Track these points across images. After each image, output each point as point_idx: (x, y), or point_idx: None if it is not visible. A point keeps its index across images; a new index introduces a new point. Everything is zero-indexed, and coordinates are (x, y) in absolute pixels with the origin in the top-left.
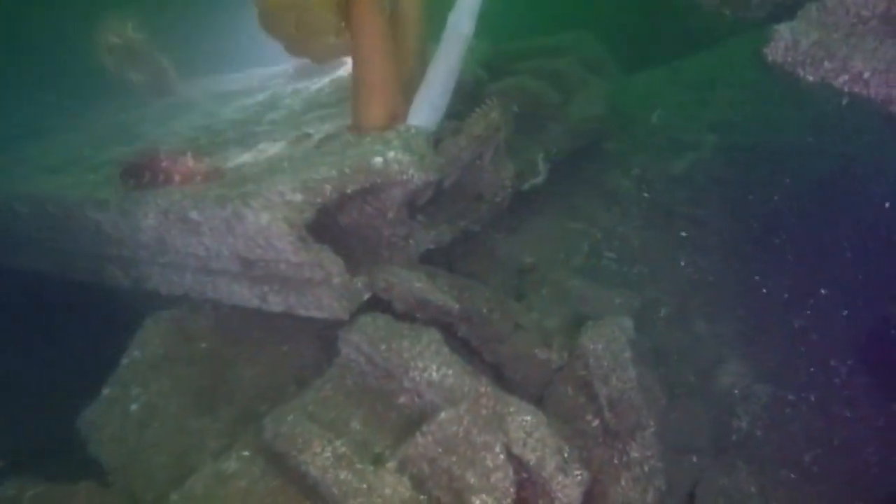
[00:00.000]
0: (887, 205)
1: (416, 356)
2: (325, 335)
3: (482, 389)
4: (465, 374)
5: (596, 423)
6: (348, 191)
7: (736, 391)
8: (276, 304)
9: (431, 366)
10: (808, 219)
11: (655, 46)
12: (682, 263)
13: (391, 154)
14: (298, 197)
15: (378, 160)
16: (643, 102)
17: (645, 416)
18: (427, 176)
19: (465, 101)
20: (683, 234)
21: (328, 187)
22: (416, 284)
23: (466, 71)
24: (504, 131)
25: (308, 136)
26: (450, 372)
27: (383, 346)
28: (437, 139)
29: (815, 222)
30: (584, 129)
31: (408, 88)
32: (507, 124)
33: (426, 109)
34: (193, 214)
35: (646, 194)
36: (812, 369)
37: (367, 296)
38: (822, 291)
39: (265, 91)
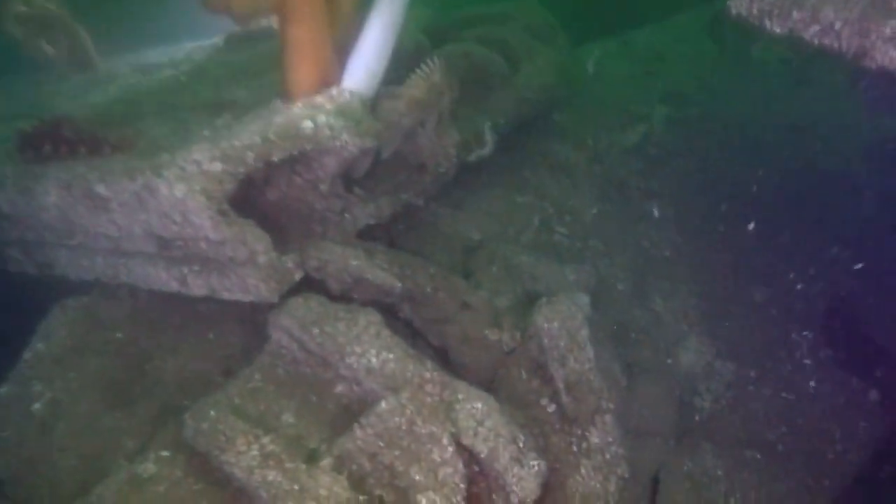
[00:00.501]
0: (842, 175)
1: (352, 340)
2: (255, 319)
3: (427, 375)
4: (408, 358)
5: (552, 408)
6: (274, 159)
7: (697, 369)
8: (197, 287)
9: (370, 350)
10: (764, 191)
11: (605, 19)
12: (637, 238)
13: (322, 118)
14: (218, 166)
15: (307, 125)
16: (595, 74)
17: (605, 399)
18: (363, 142)
19: (405, 68)
20: (637, 207)
21: (251, 155)
22: (352, 262)
23: (407, 37)
24: (448, 96)
25: (233, 104)
26: (390, 356)
27: (316, 331)
28: (374, 105)
29: (771, 194)
30: (533, 99)
31: (341, 50)
32: (450, 89)
33: (361, 73)
34: (100, 189)
35: (597, 167)
36: (773, 345)
37: (298, 276)
38: (781, 265)
39: (191, 62)
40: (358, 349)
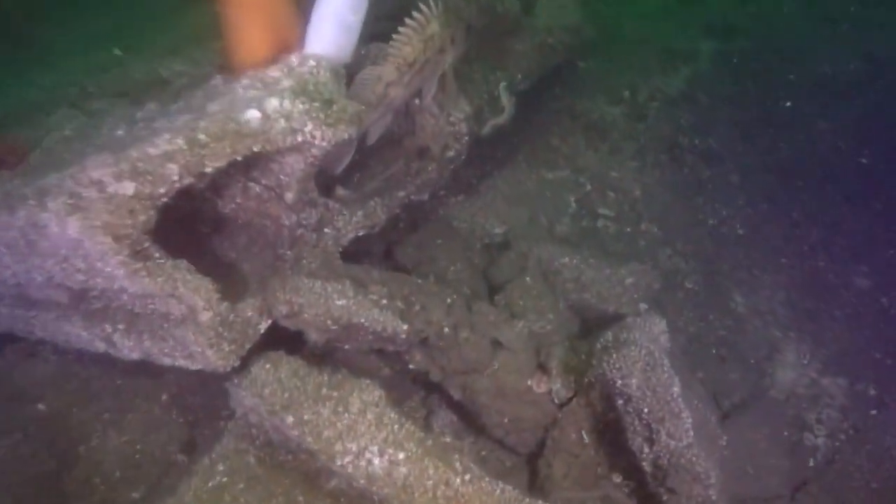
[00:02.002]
0: None
1: (343, 433)
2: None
3: (457, 482)
4: (428, 455)
5: (629, 485)
6: (208, 169)
7: (801, 390)
8: (128, 348)
9: (370, 448)
10: (847, 142)
11: None
12: (700, 215)
13: (273, 103)
14: (127, 188)
15: (252, 115)
16: (620, 9)
17: (711, 486)
18: (336, 133)
19: (393, 18)
20: (694, 174)
21: (173, 168)
22: (336, 302)
23: None
24: (452, 53)
25: (164, 83)
26: (401, 456)
27: (290, 419)
28: (350, 74)
29: (855, 146)
30: (555, 44)
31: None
32: (455, 42)
33: (331, 30)
34: None
35: (639, 124)
36: (893, 348)
37: (262, 328)
38: (884, 237)
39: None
40: (352, 446)
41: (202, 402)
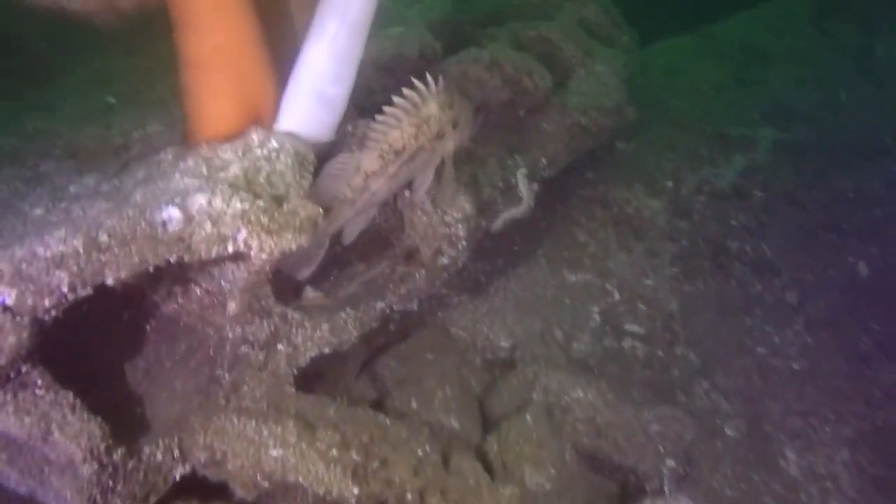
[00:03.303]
0: None
1: None
2: None
3: None
4: None
5: None
6: (108, 280)
7: None
8: (14, 481)
9: None
10: None
11: (676, 5)
12: (748, 340)
13: (200, 201)
14: (5, 296)
15: (170, 216)
16: (667, 83)
17: None
18: (279, 242)
19: (401, 86)
20: (744, 288)
21: (63, 277)
22: (271, 452)
23: (408, 39)
24: (453, 139)
25: (125, 148)
26: None
27: None
28: (328, 156)
29: None
30: (589, 125)
31: (281, 59)
32: (460, 126)
33: (308, 102)
34: None
35: (682, 222)
36: None
37: (176, 474)
38: None
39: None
40: None
41: None
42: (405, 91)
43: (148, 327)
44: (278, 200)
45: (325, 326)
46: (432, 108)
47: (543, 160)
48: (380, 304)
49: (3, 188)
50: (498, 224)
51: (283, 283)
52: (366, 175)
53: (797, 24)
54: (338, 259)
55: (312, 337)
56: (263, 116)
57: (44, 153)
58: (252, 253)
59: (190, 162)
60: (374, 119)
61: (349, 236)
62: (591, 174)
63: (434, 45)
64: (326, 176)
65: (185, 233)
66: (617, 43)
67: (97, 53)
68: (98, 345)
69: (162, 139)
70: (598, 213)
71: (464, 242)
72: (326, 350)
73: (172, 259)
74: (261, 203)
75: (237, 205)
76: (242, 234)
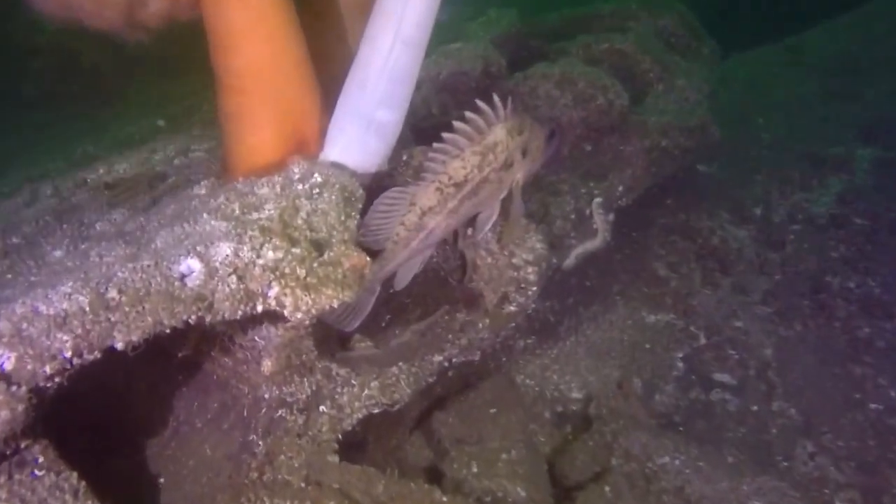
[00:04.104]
0: None
1: None
2: None
3: None
4: None
5: None
6: (117, 344)
7: None
8: None
9: None
10: None
11: (760, 13)
12: (858, 393)
13: (224, 251)
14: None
15: (189, 268)
16: (751, 98)
17: None
18: (317, 300)
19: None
20: (849, 331)
21: (65, 341)
22: None
23: (470, 54)
24: (523, 169)
25: (159, 178)
26: None
27: None
28: (378, 189)
29: None
30: (671, 147)
31: (332, 81)
32: (530, 153)
33: (357, 129)
34: None
35: (774, 254)
36: None
37: None
38: None
39: None
40: None
41: None
42: (468, 115)
43: (179, 378)
44: (319, 247)
45: (375, 384)
46: (499, 134)
47: (620, 187)
48: (437, 358)
49: (31, 223)
50: (571, 260)
51: (327, 331)
52: (422, 212)
53: (891, 31)
54: (390, 303)
55: (360, 396)
56: (308, 145)
57: (82, 182)
58: (286, 312)
59: (222, 199)
60: (432, 147)
61: (402, 281)
62: (670, 200)
63: (499, 61)
64: (376, 213)
65: (206, 289)
66: (697, 55)
67: (161, 76)
68: (123, 399)
69: (202, 168)
70: (679, 244)
71: (534, 288)
72: (376, 411)
73: (192, 320)
74: (297, 251)
75: (269, 254)
76: (274, 291)
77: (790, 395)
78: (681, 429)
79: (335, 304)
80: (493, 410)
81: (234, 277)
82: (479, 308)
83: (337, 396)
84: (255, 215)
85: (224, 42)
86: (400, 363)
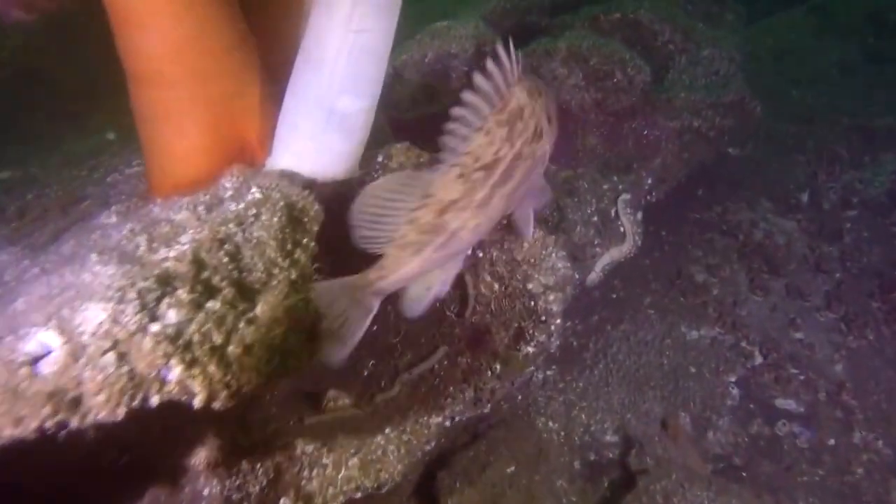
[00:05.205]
0: None
1: None
2: None
3: None
4: None
5: None
6: None
7: None
8: None
9: None
10: None
11: None
12: None
13: (96, 316)
14: None
15: (43, 345)
16: (782, 68)
17: None
18: (245, 382)
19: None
20: None
21: None
22: None
23: (459, 33)
24: (552, 137)
25: (74, 203)
26: None
27: None
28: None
29: None
30: (705, 129)
31: (281, 68)
32: (553, 117)
33: (314, 124)
34: None
35: (831, 247)
36: None
37: None
38: None
39: None
40: None
41: None
42: (476, 80)
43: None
44: (250, 296)
45: (355, 461)
46: (521, 96)
47: (649, 180)
48: (436, 420)
49: None
50: (596, 274)
51: (288, 387)
52: (441, 207)
53: None
54: (374, 345)
55: (335, 480)
56: (251, 149)
57: (4, 209)
58: (196, 402)
59: (126, 230)
60: (446, 124)
61: (415, 306)
62: (701, 191)
63: (494, 40)
64: (372, 198)
65: (65, 378)
66: (721, 22)
67: (123, 88)
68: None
69: (130, 186)
70: (717, 241)
71: (557, 321)
72: (358, 496)
73: (49, 425)
74: (214, 306)
75: (169, 315)
76: (175, 373)
77: (873, 423)
78: (743, 474)
79: (274, 385)
80: (510, 469)
81: (111, 356)
82: (486, 349)
83: (304, 483)
84: (161, 254)
85: (127, 16)
86: (387, 429)
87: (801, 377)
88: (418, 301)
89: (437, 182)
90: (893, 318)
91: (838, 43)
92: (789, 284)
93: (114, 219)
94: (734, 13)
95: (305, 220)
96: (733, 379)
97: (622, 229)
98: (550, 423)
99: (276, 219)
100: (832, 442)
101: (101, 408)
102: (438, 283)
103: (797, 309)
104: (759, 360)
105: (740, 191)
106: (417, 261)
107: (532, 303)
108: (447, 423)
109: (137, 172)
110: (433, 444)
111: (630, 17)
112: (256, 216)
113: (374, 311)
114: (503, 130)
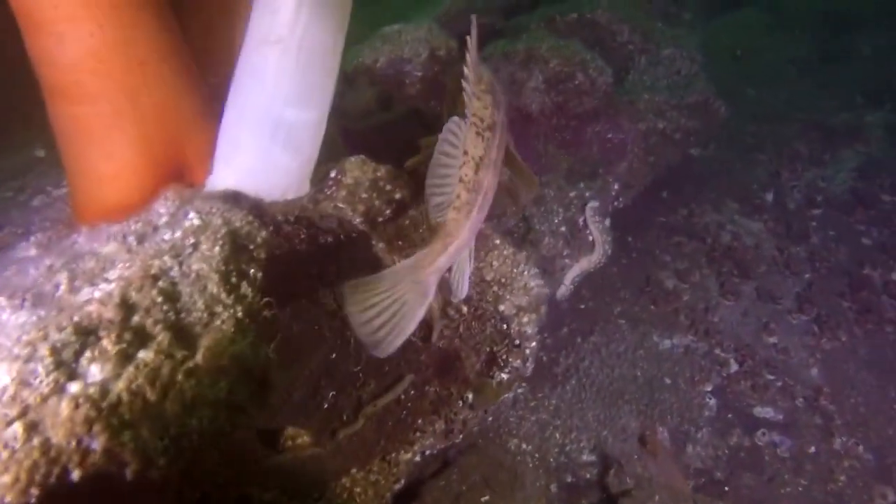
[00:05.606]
0: None
1: None
2: None
3: None
4: None
5: None
6: None
7: None
8: None
9: None
10: None
11: None
12: None
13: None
14: None
15: None
16: (739, 67)
17: None
18: (178, 447)
19: (405, 101)
20: None
21: None
22: None
23: (411, 36)
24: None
25: None
26: None
27: None
28: (295, 223)
29: None
30: (672, 131)
31: (223, 78)
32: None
33: (257, 139)
34: None
35: (798, 247)
36: None
37: None
38: None
39: None
40: None
41: None
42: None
43: None
44: (190, 341)
45: None
46: (486, 71)
47: (616, 185)
48: (405, 456)
49: None
50: (566, 287)
51: (246, 424)
52: (476, 164)
53: None
54: (333, 374)
55: None
56: (190, 169)
57: None
58: (127, 474)
59: (44, 266)
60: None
61: (461, 285)
62: (666, 193)
63: (447, 43)
64: (437, 170)
65: None
66: (679, 21)
67: None
68: None
69: (55, 211)
70: (685, 245)
71: (532, 344)
72: None
73: None
74: (146, 356)
75: (91, 372)
76: (99, 442)
77: (853, 428)
78: (726, 488)
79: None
80: (484, 499)
81: (16, 428)
82: (456, 377)
83: None
84: (83, 295)
85: (38, 21)
86: (352, 469)
87: (778, 383)
88: (463, 278)
89: (466, 137)
90: (864, 317)
91: (793, 41)
92: (760, 287)
93: (33, 251)
94: (691, 13)
95: (251, 247)
96: (709, 388)
97: (591, 238)
98: (524, 445)
99: (217, 248)
100: (813, 450)
101: (7, 490)
102: (467, 261)
103: (769, 312)
104: (734, 367)
105: (705, 192)
106: (468, 224)
107: (504, 325)
108: (417, 459)
109: (66, 194)
110: (401, 482)
111: (587, 18)
112: (195, 246)
113: (431, 297)
114: (488, 97)
